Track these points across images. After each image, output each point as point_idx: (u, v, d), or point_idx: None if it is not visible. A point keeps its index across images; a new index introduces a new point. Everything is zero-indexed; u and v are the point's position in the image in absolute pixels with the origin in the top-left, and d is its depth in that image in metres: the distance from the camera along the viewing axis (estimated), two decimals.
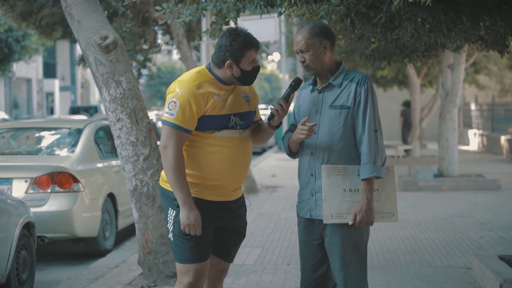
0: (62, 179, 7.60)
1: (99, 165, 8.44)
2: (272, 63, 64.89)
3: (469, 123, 27.19)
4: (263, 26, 12.43)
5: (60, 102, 43.67)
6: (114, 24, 10.87)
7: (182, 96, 3.87)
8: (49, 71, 43.89)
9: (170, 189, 3.95)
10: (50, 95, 43.37)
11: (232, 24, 5.43)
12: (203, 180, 3.94)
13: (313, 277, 4.02)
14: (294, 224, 4.00)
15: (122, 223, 8.83)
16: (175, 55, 50.27)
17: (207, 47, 12.86)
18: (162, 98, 51.66)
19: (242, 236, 4.19)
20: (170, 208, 3.98)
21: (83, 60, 11.54)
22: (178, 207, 3.91)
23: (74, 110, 34.10)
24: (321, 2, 4.69)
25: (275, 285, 6.26)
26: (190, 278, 3.96)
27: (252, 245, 8.04)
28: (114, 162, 8.70)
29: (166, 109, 3.91)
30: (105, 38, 6.06)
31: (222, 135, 3.94)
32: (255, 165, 18.75)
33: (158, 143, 5.72)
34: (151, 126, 6.29)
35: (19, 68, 36.28)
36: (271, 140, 25.83)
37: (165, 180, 4.00)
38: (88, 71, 29.27)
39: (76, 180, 7.69)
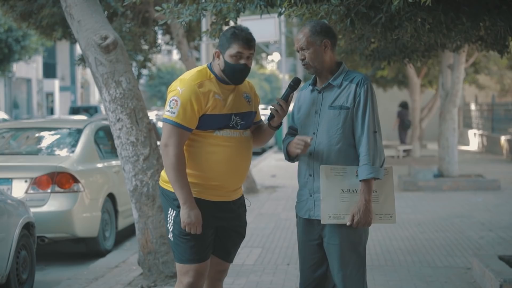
0: (62, 179, 7.60)
1: (99, 165, 8.44)
2: (272, 63, 64.86)
3: (469, 123, 27.20)
4: (263, 26, 12.43)
5: (60, 102, 43.65)
6: (114, 24, 10.86)
7: (184, 95, 3.87)
8: (49, 71, 43.86)
9: (170, 189, 3.95)
10: (50, 95, 43.34)
11: (232, 24, 5.43)
12: (204, 180, 3.94)
13: (312, 277, 4.02)
14: (294, 224, 3.99)
15: (122, 223, 8.83)
16: (175, 55, 50.32)
17: (207, 47, 12.87)
18: (162, 98, 51.64)
19: (242, 236, 4.19)
20: (170, 208, 3.98)
21: (83, 60, 11.53)
22: (178, 207, 3.91)
23: (74, 110, 34.07)
24: (321, 2, 4.70)
25: (275, 285, 6.26)
26: (190, 278, 3.96)
27: (252, 245, 8.05)
28: (114, 162, 8.70)
29: (167, 107, 3.91)
30: (105, 38, 6.06)
31: (222, 134, 3.94)
32: (255, 165, 18.75)
33: (158, 143, 5.73)
34: (151, 126, 6.29)
35: (19, 68, 36.26)
36: (271, 140, 25.80)
37: (165, 180, 4.01)
38: (88, 71, 29.26)
39: (76, 180, 7.69)
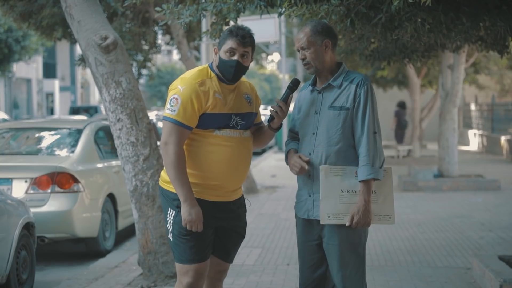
0: (62, 179, 7.61)
1: (99, 165, 8.44)
2: (272, 63, 64.85)
3: (469, 123, 27.19)
4: (263, 27, 12.42)
5: (60, 102, 43.64)
6: (114, 24, 10.87)
7: (184, 93, 3.87)
8: (49, 71, 43.85)
9: (170, 190, 3.95)
10: (50, 95, 43.33)
11: (232, 24, 5.44)
12: (203, 179, 3.93)
13: (312, 278, 4.02)
14: (294, 224, 3.98)
15: (122, 223, 8.83)
16: (175, 55, 50.27)
17: (207, 47, 12.86)
18: (162, 98, 51.63)
19: (242, 236, 4.19)
20: (169, 209, 3.98)
21: (83, 60, 11.53)
22: (177, 207, 3.91)
23: (74, 110, 34.07)
24: (321, 2, 4.70)
25: (275, 285, 6.26)
26: (189, 278, 3.96)
27: (252, 245, 8.05)
28: (114, 162, 8.70)
29: (168, 105, 3.91)
30: (105, 38, 6.07)
31: (222, 134, 3.94)
32: (255, 165, 18.75)
33: (158, 143, 5.73)
34: (151, 127, 6.29)
35: (19, 68, 36.26)
36: (271, 141, 25.80)
37: (165, 181, 4.00)
38: (88, 71, 29.27)
39: (76, 180, 7.69)
